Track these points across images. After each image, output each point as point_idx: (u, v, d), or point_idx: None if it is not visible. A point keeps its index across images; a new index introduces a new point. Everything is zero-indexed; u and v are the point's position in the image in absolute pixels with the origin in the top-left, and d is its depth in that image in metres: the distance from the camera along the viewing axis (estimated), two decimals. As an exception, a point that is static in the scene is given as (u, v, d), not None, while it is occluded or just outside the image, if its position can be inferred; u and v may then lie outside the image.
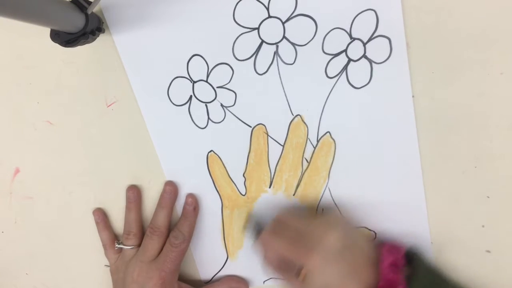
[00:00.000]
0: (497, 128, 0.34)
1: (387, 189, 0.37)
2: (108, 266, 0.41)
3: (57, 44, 0.31)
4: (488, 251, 0.37)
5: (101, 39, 0.36)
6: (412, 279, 0.32)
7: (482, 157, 0.35)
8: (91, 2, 0.31)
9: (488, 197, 0.36)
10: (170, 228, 0.40)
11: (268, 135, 0.37)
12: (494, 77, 0.33)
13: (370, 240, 0.36)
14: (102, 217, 0.41)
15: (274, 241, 0.35)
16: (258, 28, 0.34)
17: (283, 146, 0.37)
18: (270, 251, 0.35)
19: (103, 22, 0.35)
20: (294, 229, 0.34)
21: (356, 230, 0.37)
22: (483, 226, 0.37)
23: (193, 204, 0.39)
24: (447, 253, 0.38)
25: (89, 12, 0.31)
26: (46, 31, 0.30)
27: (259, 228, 0.38)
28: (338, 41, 0.34)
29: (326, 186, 0.38)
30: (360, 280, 0.32)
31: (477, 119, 0.35)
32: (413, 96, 0.35)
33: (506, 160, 0.35)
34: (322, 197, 0.38)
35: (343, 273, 0.32)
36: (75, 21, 0.30)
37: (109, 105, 0.38)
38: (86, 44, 0.34)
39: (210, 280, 0.43)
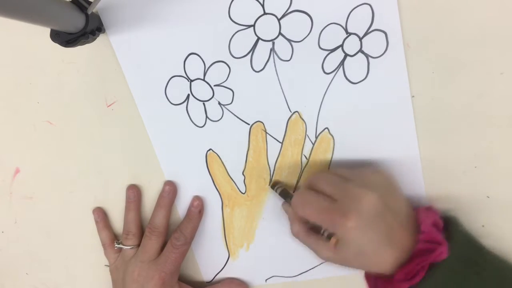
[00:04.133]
0: (497, 128, 0.34)
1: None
2: (108, 266, 0.41)
3: (57, 44, 0.31)
4: (488, 251, 0.37)
5: (101, 39, 0.36)
6: (451, 242, 0.31)
7: (482, 157, 0.35)
8: (91, 2, 0.31)
9: (488, 197, 0.36)
10: (169, 228, 0.40)
11: (266, 132, 0.37)
12: (494, 77, 0.33)
13: (408, 201, 0.34)
14: (102, 216, 0.41)
15: (309, 197, 0.32)
16: (253, 25, 0.34)
17: (281, 143, 0.37)
18: (303, 208, 0.33)
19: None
20: (328, 192, 0.32)
21: (395, 190, 0.34)
22: (483, 226, 0.37)
23: (199, 207, 0.39)
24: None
25: (89, 12, 0.31)
26: (46, 31, 0.30)
27: (287, 194, 0.37)
28: (334, 36, 0.34)
29: (326, 182, 0.38)
30: (397, 244, 0.31)
31: (477, 119, 0.35)
32: (413, 96, 0.35)
33: (506, 160, 0.35)
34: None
35: (379, 239, 0.30)
36: (75, 21, 0.30)
37: (109, 105, 0.38)
38: (86, 44, 0.34)
39: (212, 279, 0.43)
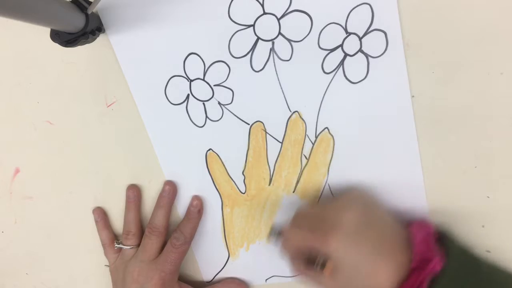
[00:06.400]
0: (497, 128, 0.34)
1: (387, 186, 0.37)
2: (108, 266, 0.41)
3: (57, 44, 0.31)
4: (488, 251, 0.37)
5: (102, 39, 0.36)
6: (447, 258, 0.30)
7: (482, 157, 0.35)
8: (91, 2, 0.31)
9: (488, 197, 0.36)
10: (169, 227, 0.40)
11: (266, 132, 0.37)
12: (494, 77, 0.33)
13: (395, 219, 0.34)
14: (102, 216, 0.41)
15: (293, 233, 0.33)
16: (253, 25, 0.34)
17: (281, 143, 0.37)
18: (291, 245, 0.34)
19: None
20: (312, 217, 0.33)
21: (377, 207, 0.34)
22: (483, 226, 0.37)
23: (198, 207, 0.39)
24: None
25: (89, 12, 0.31)
26: (46, 31, 0.30)
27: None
28: (333, 36, 0.34)
29: (326, 182, 0.38)
30: (390, 258, 0.30)
31: (477, 119, 0.34)
32: (413, 96, 0.34)
33: (506, 160, 0.35)
34: (322, 193, 0.38)
35: (370, 252, 0.30)
36: (75, 21, 0.30)
37: (109, 105, 0.38)
38: (86, 44, 0.34)
39: (212, 279, 0.43)
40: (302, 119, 0.36)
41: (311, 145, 0.37)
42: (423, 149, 0.36)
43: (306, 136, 0.37)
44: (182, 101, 0.37)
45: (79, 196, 0.42)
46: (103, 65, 0.37)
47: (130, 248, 0.39)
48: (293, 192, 0.39)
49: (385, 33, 0.33)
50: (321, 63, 0.35)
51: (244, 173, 0.39)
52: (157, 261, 0.38)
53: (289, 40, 0.34)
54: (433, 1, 0.32)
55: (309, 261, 0.33)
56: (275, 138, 0.37)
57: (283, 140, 0.37)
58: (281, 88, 0.36)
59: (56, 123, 0.40)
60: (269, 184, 0.39)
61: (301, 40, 0.34)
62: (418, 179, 0.36)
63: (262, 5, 0.34)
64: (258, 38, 0.35)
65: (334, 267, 0.31)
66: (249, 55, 0.35)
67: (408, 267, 0.30)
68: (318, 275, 0.32)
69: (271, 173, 0.39)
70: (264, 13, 0.34)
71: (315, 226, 0.32)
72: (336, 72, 0.35)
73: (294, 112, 0.36)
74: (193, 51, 0.36)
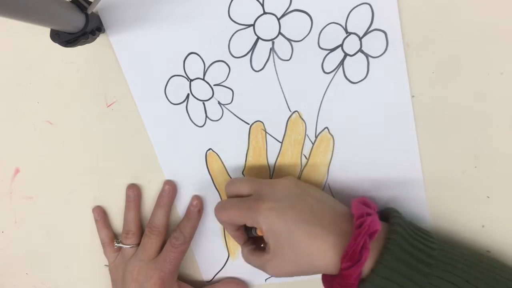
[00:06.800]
0: (497, 128, 0.34)
1: (387, 185, 0.37)
2: (108, 265, 0.41)
3: (57, 44, 0.31)
4: (488, 251, 0.37)
5: (102, 39, 0.36)
6: (393, 225, 0.30)
7: (482, 157, 0.35)
8: (91, 2, 0.31)
9: (488, 197, 0.36)
10: (169, 227, 0.40)
11: (266, 132, 0.37)
12: (494, 77, 0.33)
13: (335, 200, 0.34)
14: (101, 215, 0.41)
15: (225, 210, 0.33)
16: (253, 25, 0.34)
17: (281, 143, 0.37)
18: (224, 221, 0.34)
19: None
20: (243, 193, 0.34)
21: (313, 187, 0.34)
22: (483, 226, 0.37)
23: (198, 206, 0.39)
24: (447, 253, 0.38)
25: (89, 12, 0.31)
26: (46, 31, 0.31)
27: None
28: (333, 36, 0.34)
29: (326, 182, 0.38)
30: (332, 228, 0.29)
31: (477, 119, 0.34)
32: (413, 96, 0.34)
33: (506, 160, 0.35)
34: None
35: (302, 218, 0.29)
36: (75, 21, 0.30)
37: (109, 105, 0.38)
38: (86, 44, 0.34)
39: (212, 279, 0.43)
40: (302, 119, 0.36)
41: (311, 145, 0.37)
42: (423, 149, 0.36)
43: (306, 136, 0.37)
44: (182, 100, 0.37)
45: (79, 196, 0.42)
46: (103, 65, 0.37)
47: (130, 247, 0.39)
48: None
49: (385, 33, 0.33)
50: (321, 63, 0.35)
51: (244, 173, 0.39)
52: (156, 260, 0.38)
53: (289, 40, 0.34)
54: (433, 1, 0.32)
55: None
56: (275, 138, 0.37)
57: (283, 140, 0.37)
58: (281, 88, 0.36)
59: (56, 123, 0.40)
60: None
61: (301, 40, 0.34)
62: (418, 179, 0.36)
63: (262, 5, 0.34)
64: (258, 38, 0.35)
65: (269, 236, 0.30)
66: (249, 55, 0.35)
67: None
68: (260, 256, 0.32)
69: (271, 173, 0.39)
70: (264, 12, 0.34)
71: (244, 200, 0.33)
72: (336, 72, 0.35)
73: (294, 112, 0.36)
74: (193, 51, 0.36)
